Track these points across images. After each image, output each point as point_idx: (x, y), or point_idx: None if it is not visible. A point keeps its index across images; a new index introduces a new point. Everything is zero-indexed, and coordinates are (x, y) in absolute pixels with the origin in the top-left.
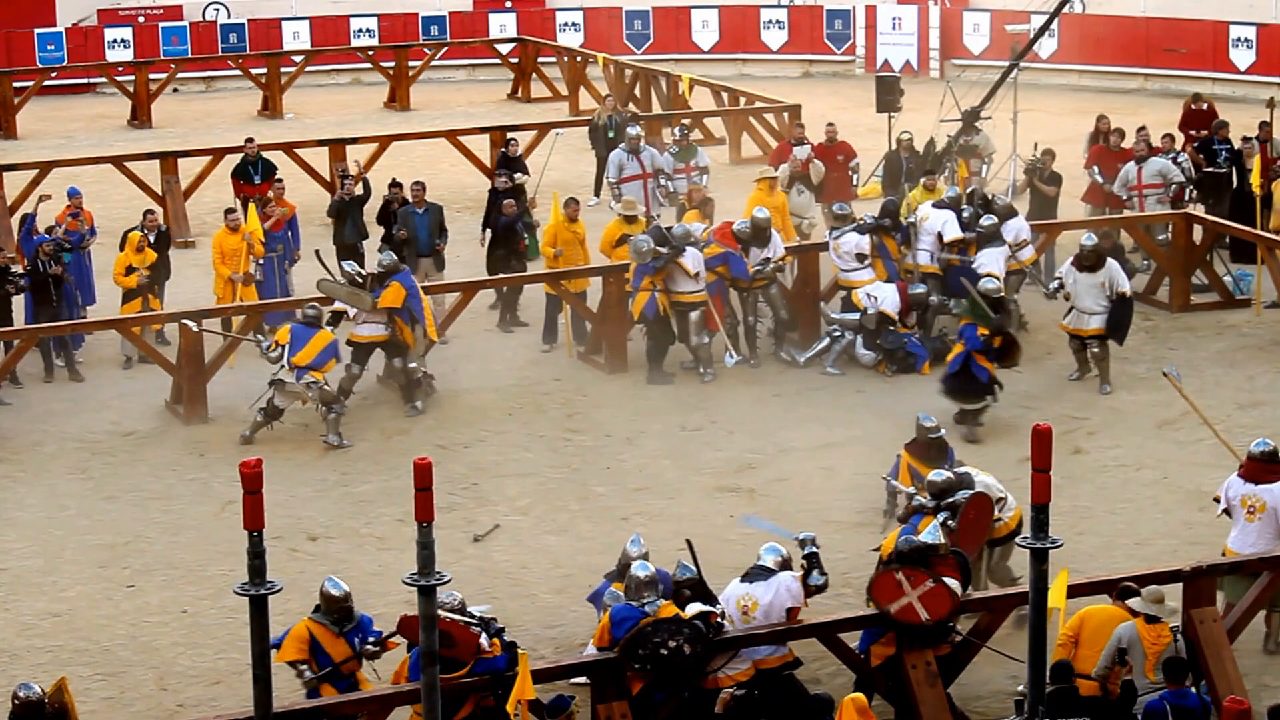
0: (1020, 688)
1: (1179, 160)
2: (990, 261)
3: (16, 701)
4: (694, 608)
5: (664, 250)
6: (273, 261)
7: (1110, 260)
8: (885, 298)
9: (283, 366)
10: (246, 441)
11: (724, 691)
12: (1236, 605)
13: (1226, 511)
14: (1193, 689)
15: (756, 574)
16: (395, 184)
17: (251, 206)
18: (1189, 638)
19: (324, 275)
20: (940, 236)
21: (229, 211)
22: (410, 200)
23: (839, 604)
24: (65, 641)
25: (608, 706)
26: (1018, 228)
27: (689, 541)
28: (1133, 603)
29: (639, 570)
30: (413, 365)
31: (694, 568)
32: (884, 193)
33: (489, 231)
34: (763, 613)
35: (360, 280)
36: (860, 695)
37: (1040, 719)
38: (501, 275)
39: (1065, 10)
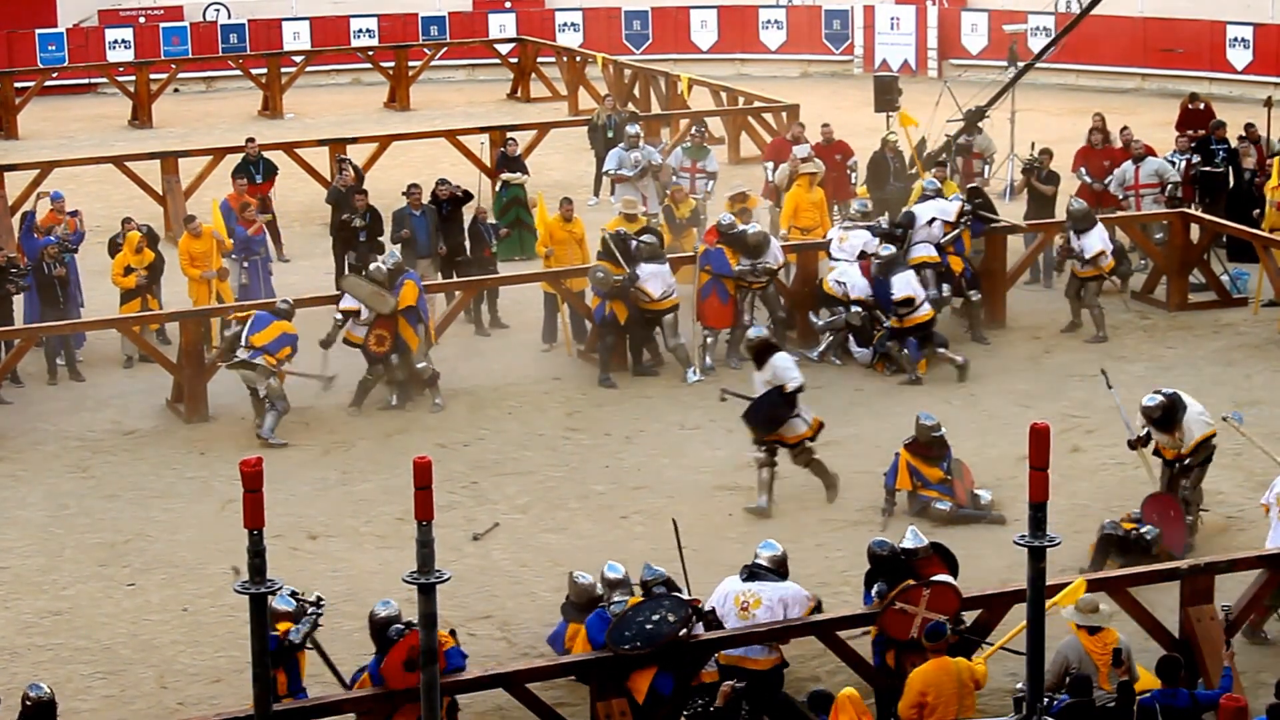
0: (1019, 685)
1: (1177, 158)
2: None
3: (28, 702)
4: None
5: (620, 281)
6: (256, 265)
7: (777, 356)
8: (853, 283)
9: (241, 346)
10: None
11: (724, 684)
12: (1235, 603)
13: (1266, 510)
14: (1185, 689)
15: (761, 574)
16: (361, 190)
17: (214, 202)
18: (1186, 636)
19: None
20: (932, 223)
21: (188, 219)
22: (407, 202)
23: (838, 602)
24: (66, 640)
25: (606, 704)
26: (1101, 238)
27: (674, 521)
28: (1066, 614)
29: (609, 572)
30: (422, 365)
31: (663, 570)
32: (870, 193)
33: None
34: (766, 610)
35: (384, 281)
36: (853, 690)
37: (1039, 718)
38: (502, 275)
39: (1062, 10)
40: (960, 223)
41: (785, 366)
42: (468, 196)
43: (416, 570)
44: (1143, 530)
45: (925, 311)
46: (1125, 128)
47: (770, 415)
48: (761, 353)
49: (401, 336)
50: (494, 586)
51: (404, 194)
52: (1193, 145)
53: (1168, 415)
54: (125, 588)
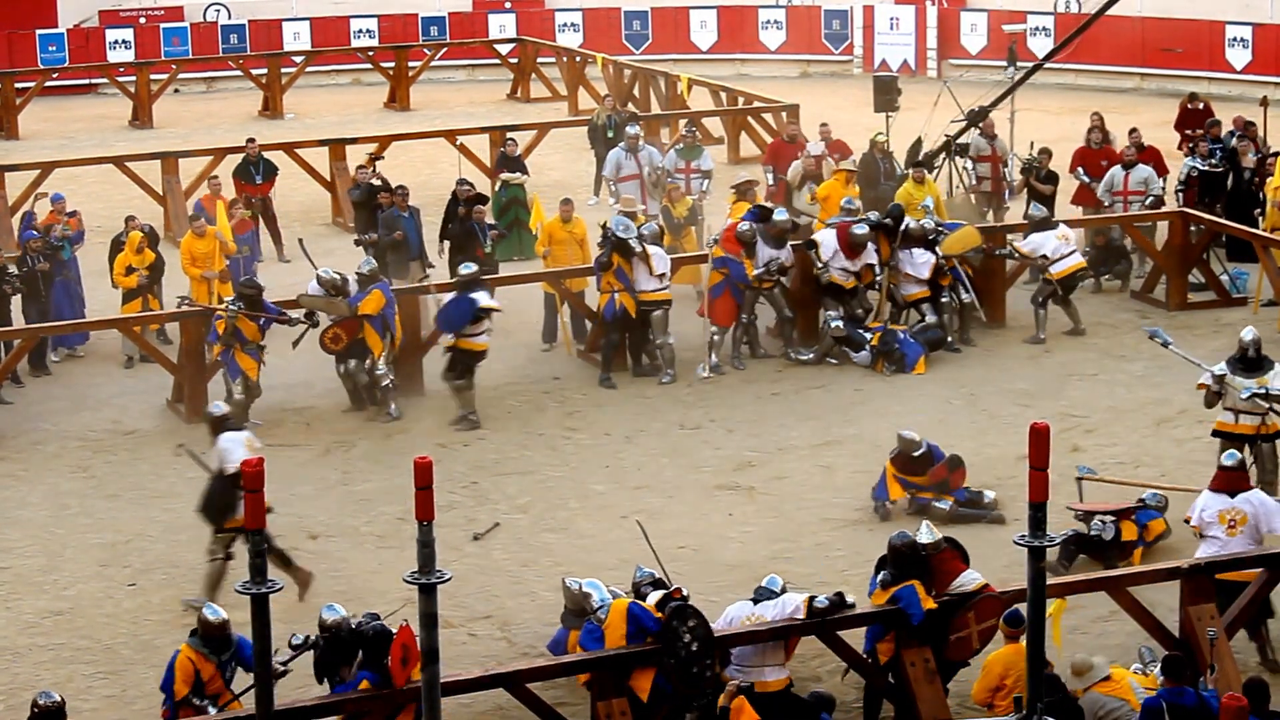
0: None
1: (1200, 163)
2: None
3: (36, 709)
4: (654, 596)
5: (629, 236)
6: (238, 262)
7: (222, 437)
8: (824, 242)
9: None
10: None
11: (729, 685)
12: (1234, 603)
13: (1197, 531)
14: (1190, 688)
15: (764, 595)
16: (395, 189)
17: (220, 205)
18: (1186, 636)
19: (313, 269)
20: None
21: (194, 218)
22: (393, 204)
23: None
24: (67, 640)
25: (607, 704)
26: (1038, 242)
27: (639, 523)
28: (1071, 683)
29: (588, 587)
30: (380, 372)
31: (654, 570)
32: (861, 194)
33: (447, 242)
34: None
35: (338, 288)
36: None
37: (1039, 717)
38: (502, 275)
39: (1061, 10)
40: (941, 271)
41: (226, 449)
42: (481, 199)
43: (417, 570)
44: (1092, 525)
45: (482, 341)
46: (1134, 130)
47: (222, 503)
48: (213, 429)
49: (366, 342)
50: (494, 586)
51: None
52: (1191, 147)
53: (1260, 353)
54: (126, 588)
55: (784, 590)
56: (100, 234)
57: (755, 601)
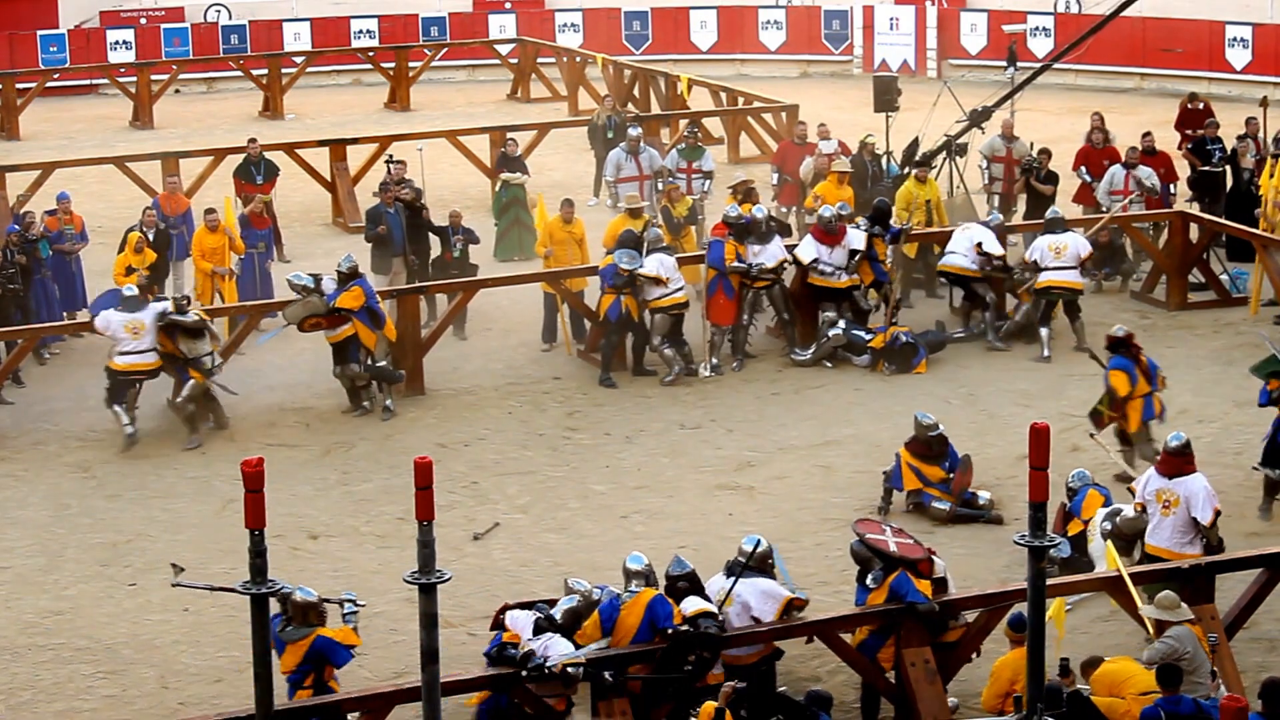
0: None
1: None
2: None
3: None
4: (692, 604)
5: (635, 267)
6: (253, 257)
7: None
8: (802, 248)
9: None
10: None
11: (725, 685)
12: (1234, 603)
13: (1143, 507)
14: (1188, 695)
15: (737, 570)
16: (381, 185)
17: (228, 200)
18: None
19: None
20: (979, 246)
21: (208, 212)
22: (380, 200)
23: (838, 601)
24: (67, 639)
25: (608, 704)
26: (1037, 244)
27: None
28: (1149, 613)
29: (631, 563)
30: (382, 365)
31: (689, 564)
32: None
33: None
34: (738, 607)
35: (309, 289)
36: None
37: (1040, 717)
38: (502, 275)
39: (1061, 10)
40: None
41: None
42: (412, 205)
43: (417, 570)
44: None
45: (148, 360)
46: (1148, 133)
47: None
48: None
49: (359, 338)
50: (494, 586)
51: (376, 193)
52: (1189, 146)
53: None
54: (127, 587)
55: (763, 555)
56: (99, 235)
57: (730, 572)
